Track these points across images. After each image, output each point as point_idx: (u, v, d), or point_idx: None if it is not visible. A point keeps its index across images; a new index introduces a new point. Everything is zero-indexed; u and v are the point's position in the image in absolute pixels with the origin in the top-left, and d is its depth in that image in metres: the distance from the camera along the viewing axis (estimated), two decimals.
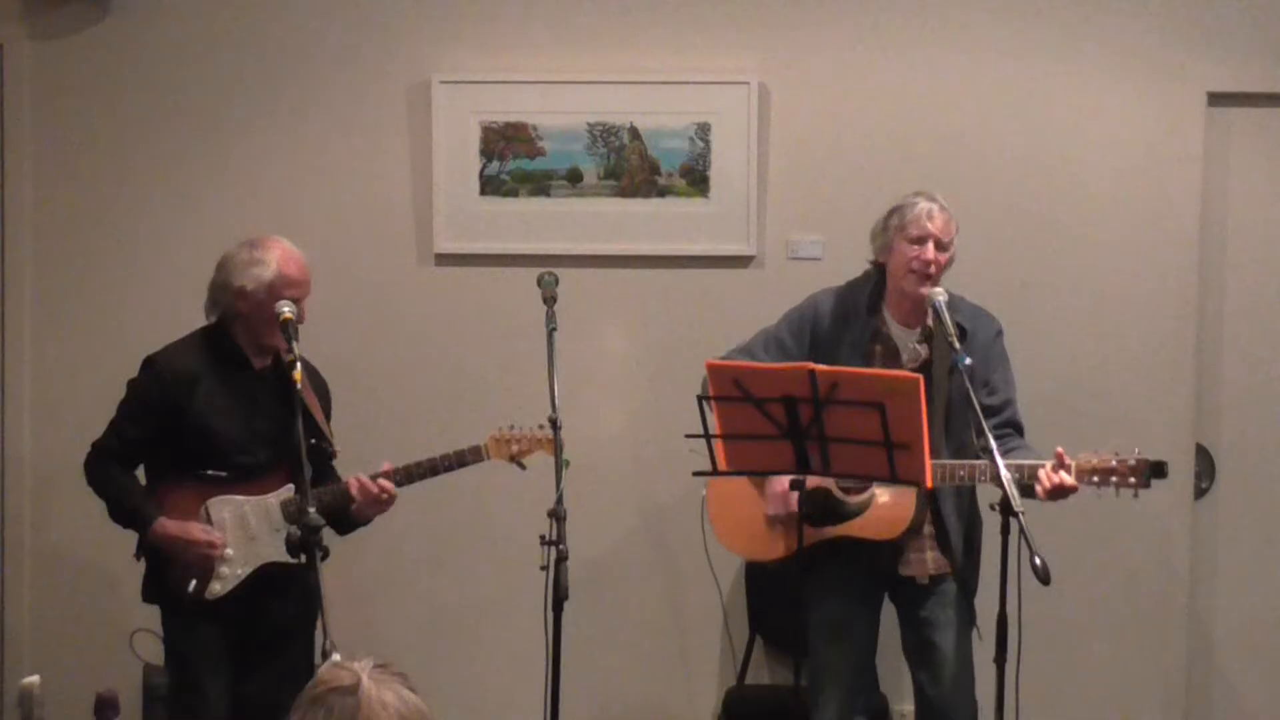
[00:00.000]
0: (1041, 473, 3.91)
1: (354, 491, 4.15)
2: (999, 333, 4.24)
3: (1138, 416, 5.00)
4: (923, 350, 4.15)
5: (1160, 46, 5.01)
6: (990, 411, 4.08)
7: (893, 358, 4.16)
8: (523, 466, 4.27)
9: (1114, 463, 3.91)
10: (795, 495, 3.90)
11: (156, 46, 5.13)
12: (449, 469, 4.23)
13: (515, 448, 4.24)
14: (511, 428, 4.24)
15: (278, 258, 4.10)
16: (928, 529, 4.17)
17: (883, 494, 4.09)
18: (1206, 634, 5.15)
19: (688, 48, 5.06)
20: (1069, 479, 3.90)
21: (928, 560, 4.18)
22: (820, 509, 4.11)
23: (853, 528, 4.12)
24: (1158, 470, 3.91)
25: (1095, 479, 3.92)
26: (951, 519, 4.15)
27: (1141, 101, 5.03)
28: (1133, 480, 3.90)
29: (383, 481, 4.17)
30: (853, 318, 4.20)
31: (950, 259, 4.15)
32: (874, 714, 4.52)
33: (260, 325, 4.11)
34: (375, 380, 5.08)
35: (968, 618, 4.20)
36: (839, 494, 4.12)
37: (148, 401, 4.14)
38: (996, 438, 4.01)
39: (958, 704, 4.19)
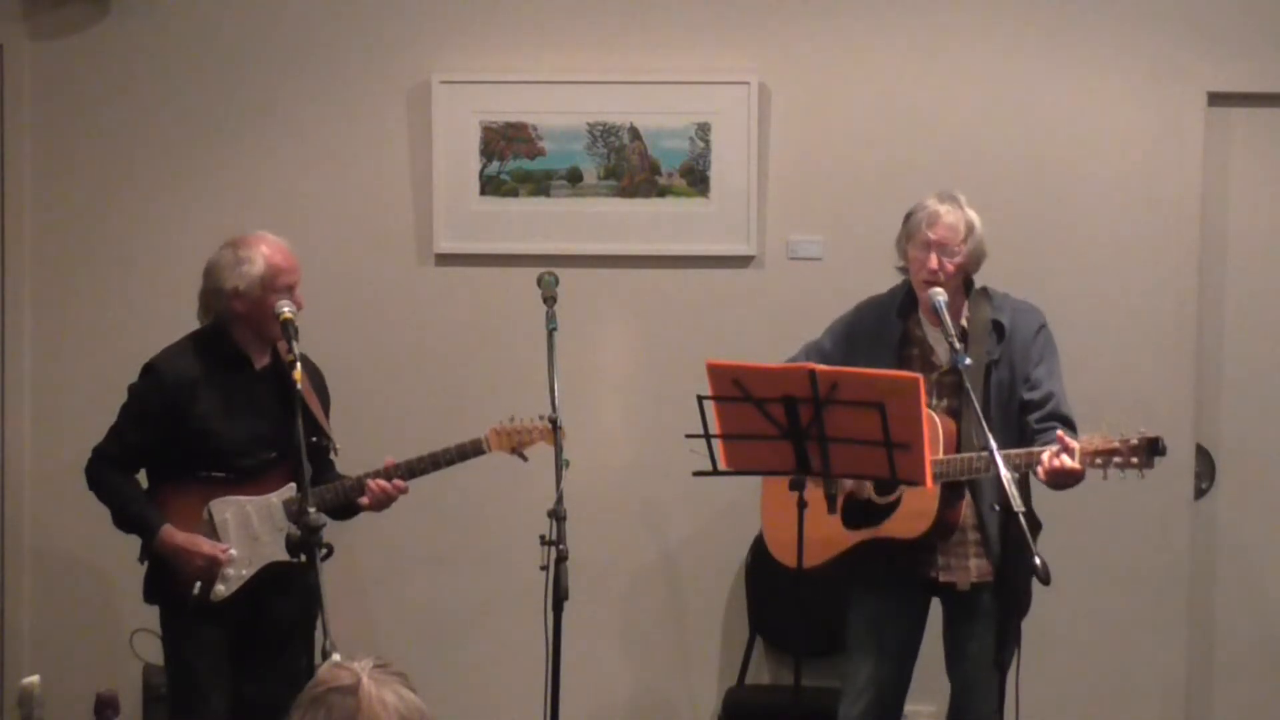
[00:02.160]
0: (1045, 455, 3.86)
1: (367, 499, 4.20)
2: (1042, 326, 4.19)
3: (1138, 417, 4.98)
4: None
5: (1160, 46, 5.00)
6: (1032, 406, 4.08)
7: (928, 360, 4.15)
8: (524, 458, 4.27)
9: (1116, 443, 3.84)
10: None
11: (156, 46, 5.13)
12: (450, 463, 4.24)
13: (516, 439, 4.24)
14: (512, 419, 4.25)
15: (264, 251, 4.10)
16: (973, 535, 4.08)
17: (912, 493, 4.01)
18: (1207, 634, 5.15)
19: (688, 48, 5.06)
20: (1070, 462, 3.83)
21: (970, 568, 4.08)
22: (856, 510, 4.11)
23: (882, 528, 4.09)
24: (1154, 447, 3.82)
25: (1099, 460, 3.84)
26: (991, 521, 4.04)
27: (1141, 101, 5.02)
28: (1135, 460, 3.82)
29: (397, 483, 4.21)
30: (888, 322, 4.20)
31: (966, 260, 4.10)
32: None
33: (261, 321, 4.11)
34: (375, 380, 5.08)
35: (1003, 630, 3.93)
36: (871, 494, 4.10)
37: (149, 407, 4.13)
38: (1038, 430, 4.02)
39: (980, 717, 4.14)
